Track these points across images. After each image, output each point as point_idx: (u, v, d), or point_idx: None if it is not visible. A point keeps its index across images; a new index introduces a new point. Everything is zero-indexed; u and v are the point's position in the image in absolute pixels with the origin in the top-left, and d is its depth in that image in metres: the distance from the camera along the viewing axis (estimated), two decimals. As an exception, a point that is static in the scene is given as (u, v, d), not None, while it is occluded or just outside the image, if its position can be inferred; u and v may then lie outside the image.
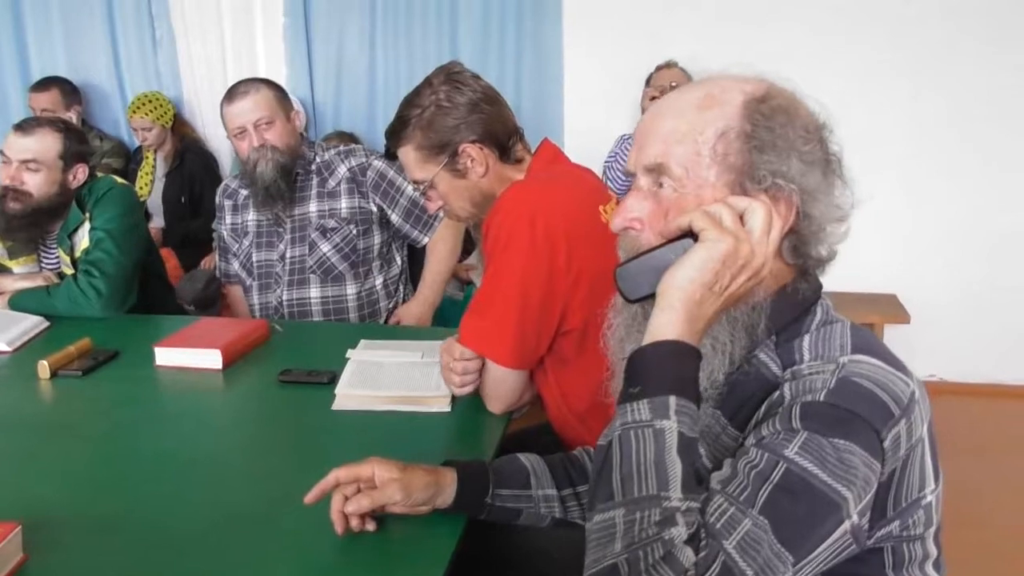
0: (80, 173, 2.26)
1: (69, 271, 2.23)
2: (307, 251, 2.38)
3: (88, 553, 1.12)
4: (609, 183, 3.32)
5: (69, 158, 2.23)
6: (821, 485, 0.78)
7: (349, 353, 1.78)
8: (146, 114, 3.61)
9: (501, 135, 1.61)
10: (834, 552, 0.83)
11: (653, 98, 3.29)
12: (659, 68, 3.39)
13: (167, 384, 1.74)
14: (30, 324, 2.00)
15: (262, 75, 3.70)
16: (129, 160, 3.85)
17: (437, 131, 1.57)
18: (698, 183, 0.90)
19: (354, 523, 1.13)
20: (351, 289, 2.40)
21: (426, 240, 2.44)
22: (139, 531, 1.17)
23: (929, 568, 0.92)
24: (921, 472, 0.86)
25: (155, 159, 3.73)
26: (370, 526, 1.14)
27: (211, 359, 1.76)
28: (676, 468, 0.80)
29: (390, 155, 1.66)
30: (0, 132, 3.89)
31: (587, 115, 3.64)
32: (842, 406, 0.81)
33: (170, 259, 3.27)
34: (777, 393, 0.87)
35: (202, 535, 1.16)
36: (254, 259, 2.45)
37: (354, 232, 2.38)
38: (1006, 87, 3.38)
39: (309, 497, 1.14)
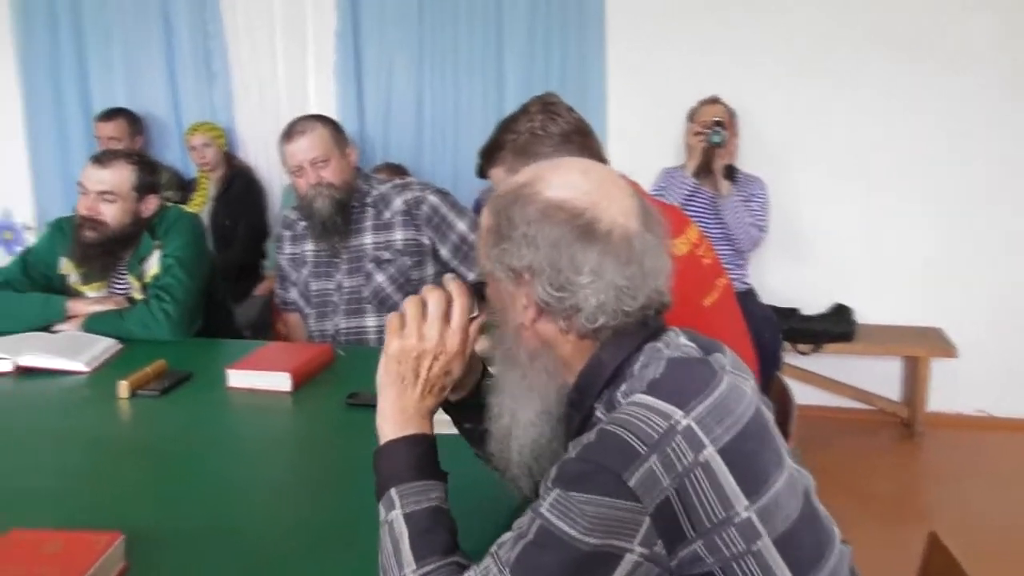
0: (152, 203, 2.36)
1: (139, 296, 2.32)
2: (363, 281, 2.45)
3: (182, 566, 1.18)
4: (653, 216, 3.36)
5: (142, 189, 2.34)
6: (567, 538, 0.86)
7: (415, 378, 1.83)
8: (205, 132, 3.78)
9: None
10: None
11: (697, 133, 3.35)
12: (702, 103, 3.44)
13: (239, 405, 1.81)
14: (105, 346, 2.09)
15: (313, 109, 3.83)
16: (184, 190, 3.97)
17: (529, 157, 1.62)
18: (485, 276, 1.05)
19: None
20: (407, 318, 2.46)
21: (471, 277, 2.49)
22: (227, 547, 1.22)
23: None
24: (718, 493, 0.88)
25: (209, 183, 3.86)
26: None
27: (281, 381, 1.83)
28: (404, 544, 0.97)
29: (481, 174, 1.74)
30: (63, 160, 4.10)
31: (630, 150, 3.68)
32: (589, 458, 0.89)
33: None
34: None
35: (285, 551, 1.22)
36: (312, 288, 2.52)
37: (408, 263, 2.45)
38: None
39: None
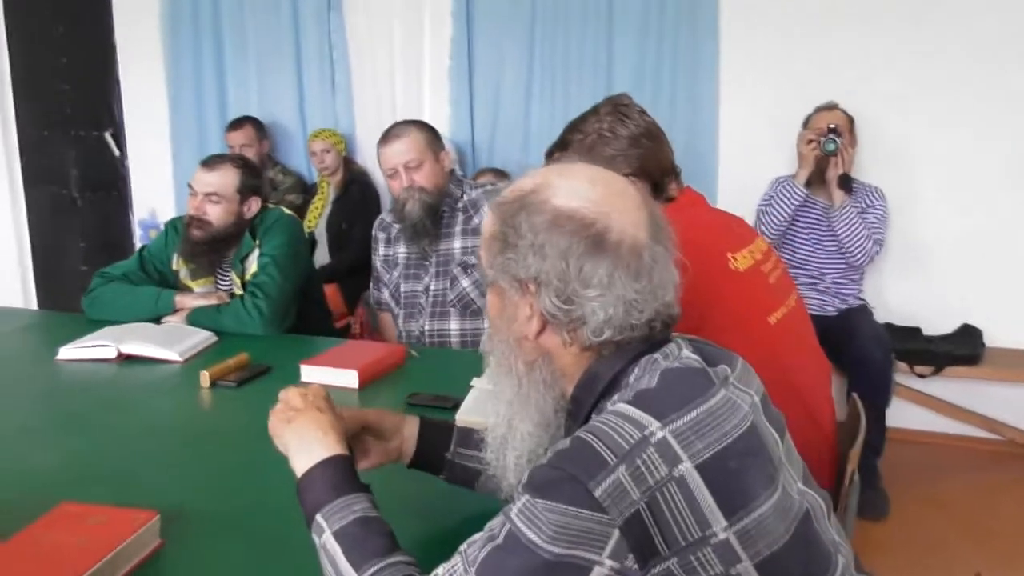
0: (254, 205, 2.50)
1: (239, 292, 2.46)
2: (448, 285, 2.50)
3: (219, 545, 1.24)
4: (763, 227, 3.25)
5: (245, 191, 2.48)
6: (531, 545, 0.85)
7: (474, 381, 1.85)
8: (326, 138, 3.97)
9: (656, 172, 1.65)
10: None
11: (810, 141, 3.20)
12: (818, 109, 3.29)
13: (309, 400, 1.88)
14: (201, 338, 2.22)
15: (427, 114, 3.95)
16: (307, 193, 4.18)
17: (595, 159, 1.58)
18: (487, 283, 1.05)
19: None
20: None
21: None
22: (269, 531, 1.27)
23: None
24: (693, 510, 0.85)
25: (329, 188, 4.04)
26: None
27: (348, 379, 1.89)
28: (341, 560, 0.97)
29: None
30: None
31: (742, 157, 3.59)
32: (558, 466, 0.87)
33: (334, 295, 3.52)
34: None
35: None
36: (402, 289, 2.59)
37: None
38: None
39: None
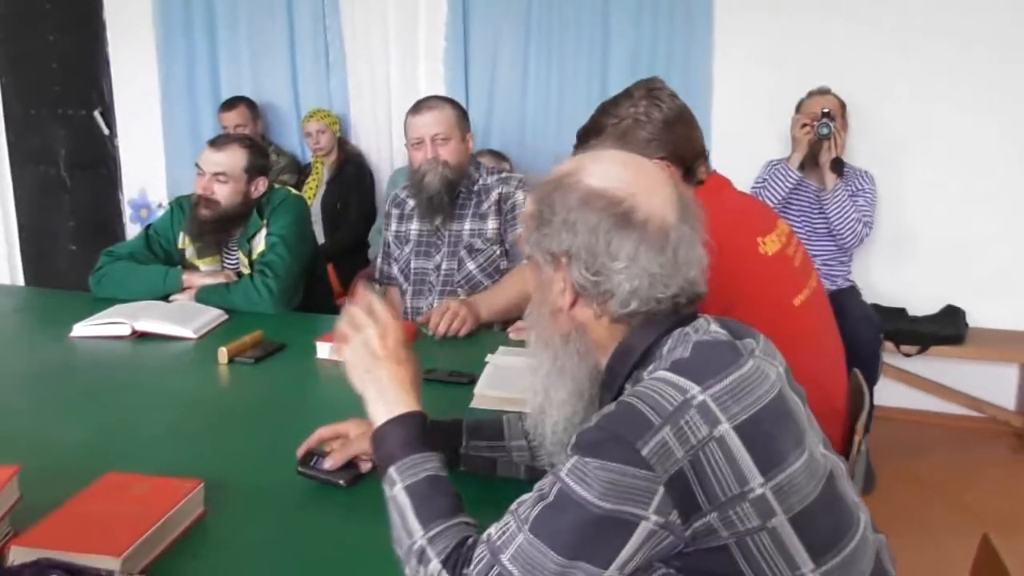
0: (261, 185, 2.52)
1: (246, 271, 2.48)
2: (456, 266, 2.54)
3: (259, 515, 1.29)
4: (755, 209, 3.31)
5: (252, 171, 2.50)
6: (582, 501, 0.90)
7: (488, 358, 1.90)
8: (321, 119, 3.97)
9: (688, 155, 1.68)
10: (651, 548, 0.91)
11: (804, 125, 3.26)
12: (811, 94, 3.35)
13: (326, 374, 1.92)
14: (212, 316, 2.25)
15: (422, 95, 3.95)
16: (300, 174, 4.18)
17: (630, 143, 1.60)
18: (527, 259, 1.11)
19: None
20: (495, 304, 2.53)
21: (511, 267, 2.51)
22: (305, 503, 1.32)
23: (803, 556, 0.95)
24: (733, 467, 0.91)
25: (323, 168, 4.05)
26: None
27: (365, 355, 1.93)
28: (409, 514, 1.02)
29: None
30: (193, 144, 4.37)
31: (734, 140, 3.64)
32: (605, 427, 0.93)
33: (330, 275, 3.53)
34: None
35: (351, 509, 1.30)
36: (412, 266, 2.62)
37: (498, 252, 2.52)
38: None
39: (299, 451, 1.38)
